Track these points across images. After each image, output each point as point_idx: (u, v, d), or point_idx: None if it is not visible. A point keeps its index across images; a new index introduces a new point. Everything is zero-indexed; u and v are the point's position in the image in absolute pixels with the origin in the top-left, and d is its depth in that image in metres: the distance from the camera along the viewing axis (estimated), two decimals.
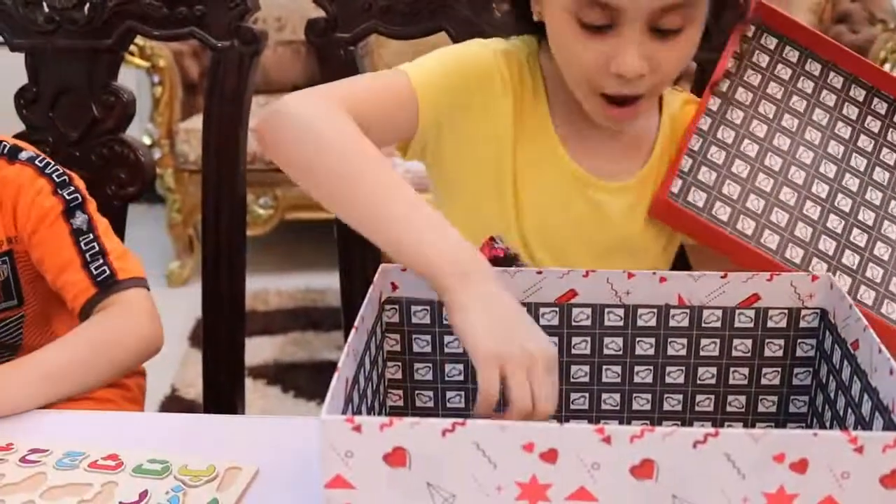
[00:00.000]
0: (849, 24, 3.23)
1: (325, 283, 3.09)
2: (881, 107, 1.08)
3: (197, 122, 3.11)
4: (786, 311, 0.85)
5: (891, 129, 1.07)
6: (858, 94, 1.08)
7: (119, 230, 1.31)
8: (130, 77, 3.27)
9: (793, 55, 1.08)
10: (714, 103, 1.04)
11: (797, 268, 0.97)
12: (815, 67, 1.08)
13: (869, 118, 1.07)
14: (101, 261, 1.08)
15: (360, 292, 1.28)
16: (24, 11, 1.26)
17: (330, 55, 1.23)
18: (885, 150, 1.06)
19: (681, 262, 1.13)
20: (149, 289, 1.11)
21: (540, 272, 0.84)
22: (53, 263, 1.09)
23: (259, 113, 0.93)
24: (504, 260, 1.03)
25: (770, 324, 0.85)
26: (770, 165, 1.02)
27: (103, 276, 1.08)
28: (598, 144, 1.04)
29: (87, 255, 1.09)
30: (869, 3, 3.21)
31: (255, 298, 3.03)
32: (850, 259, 1.00)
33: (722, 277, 0.83)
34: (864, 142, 1.06)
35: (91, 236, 1.10)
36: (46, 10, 1.26)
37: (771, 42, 1.08)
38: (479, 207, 1.04)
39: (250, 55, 1.23)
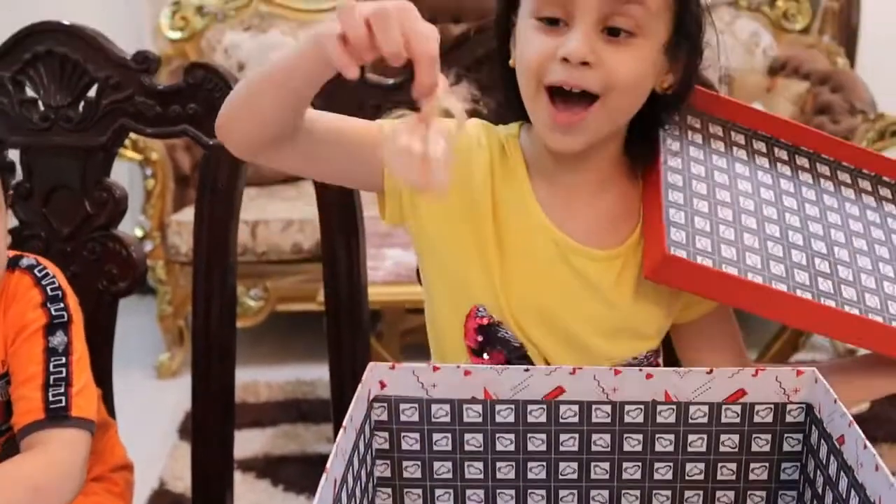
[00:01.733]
0: (830, 114, 3.29)
1: (316, 375, 3.08)
2: (783, 154, 1.18)
3: (189, 214, 3.11)
4: (772, 405, 0.85)
5: (799, 171, 1.16)
6: (760, 146, 1.17)
7: (109, 326, 1.32)
8: (123, 169, 3.30)
9: (696, 122, 1.16)
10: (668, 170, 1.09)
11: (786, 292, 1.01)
12: (717, 129, 1.17)
13: (778, 164, 1.16)
14: (62, 389, 1.07)
15: (350, 385, 1.32)
16: (20, 110, 1.28)
17: None
18: (804, 189, 1.15)
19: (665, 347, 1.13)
20: (92, 433, 1.09)
21: (527, 370, 0.84)
22: (19, 374, 1.08)
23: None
24: (488, 327, 1.04)
25: (756, 419, 0.85)
26: (724, 217, 1.06)
27: (57, 405, 1.06)
28: (582, 211, 1.05)
29: (52, 378, 1.07)
30: (849, 94, 3.27)
31: (246, 390, 3.01)
32: (825, 285, 1.03)
33: (708, 373, 0.84)
34: (785, 184, 1.14)
35: (63, 360, 1.08)
36: (42, 108, 1.28)
37: (689, 119, 1.16)
38: (465, 277, 1.04)
39: None
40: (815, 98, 3.37)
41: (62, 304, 1.11)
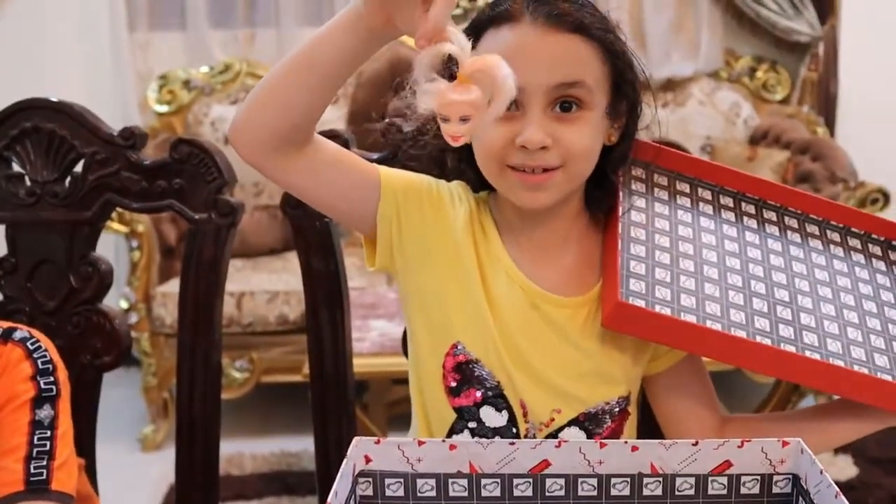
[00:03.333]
0: (811, 183, 3.32)
1: (301, 447, 3.06)
2: (750, 208, 1.22)
3: (174, 286, 3.11)
4: (758, 477, 0.85)
5: (766, 224, 1.20)
6: (727, 201, 1.21)
7: (93, 400, 1.32)
8: (108, 241, 3.31)
9: (663, 179, 1.21)
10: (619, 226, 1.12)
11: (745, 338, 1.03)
12: (684, 186, 1.21)
13: (745, 218, 1.20)
14: (44, 463, 1.07)
15: (335, 457, 1.31)
16: (6, 185, 1.29)
17: (305, 226, 1.27)
18: (769, 241, 1.18)
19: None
20: None
21: (513, 443, 0.84)
22: (3, 445, 1.07)
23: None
24: (465, 365, 1.08)
25: (743, 490, 0.85)
26: (685, 268, 1.10)
27: (38, 478, 1.06)
28: (548, 264, 1.12)
29: (35, 451, 1.07)
30: (830, 163, 3.31)
31: (230, 463, 2.98)
32: (786, 332, 1.06)
33: (693, 445, 0.84)
34: (750, 237, 1.17)
35: (48, 434, 1.08)
36: (28, 183, 1.29)
37: (656, 177, 1.20)
38: (447, 313, 1.10)
39: (227, 226, 1.26)
40: (796, 167, 3.41)
41: (52, 378, 1.11)
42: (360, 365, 2.21)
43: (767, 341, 1.04)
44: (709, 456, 0.84)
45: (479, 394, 1.09)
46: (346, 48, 0.93)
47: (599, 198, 1.14)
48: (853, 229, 1.24)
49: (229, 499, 2.75)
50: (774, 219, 1.22)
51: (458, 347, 1.10)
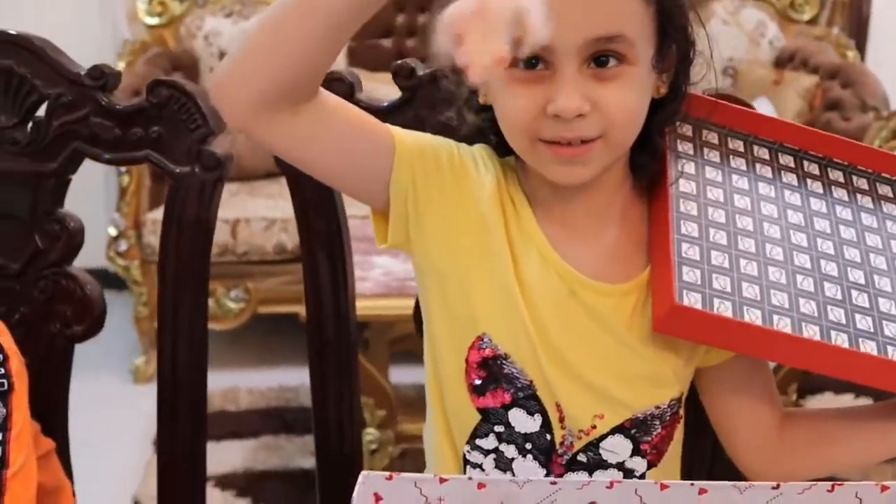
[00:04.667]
0: (840, 111, 3.16)
1: (300, 380, 2.93)
2: (813, 168, 1.07)
3: None
4: None
5: (832, 187, 1.06)
6: (787, 160, 1.07)
7: (64, 373, 1.18)
8: (96, 166, 3.15)
9: (713, 137, 1.06)
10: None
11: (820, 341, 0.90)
12: (737, 144, 1.06)
13: (809, 180, 1.06)
14: None
15: (334, 395, 1.18)
16: None
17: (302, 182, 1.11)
18: (838, 208, 1.04)
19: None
20: None
21: (555, 482, 0.69)
22: None
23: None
24: (492, 360, 0.94)
25: None
26: (746, 248, 0.95)
27: None
28: (587, 244, 0.97)
29: None
30: (860, 90, 3.14)
31: (225, 398, 2.88)
32: (864, 323, 0.93)
33: (774, 488, 0.70)
34: (816, 204, 1.03)
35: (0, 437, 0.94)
36: None
37: (705, 134, 1.06)
38: (471, 300, 0.95)
39: (213, 182, 1.10)
40: (824, 93, 3.24)
41: (3, 370, 0.96)
42: (362, 307, 2.06)
43: (843, 338, 0.90)
44: (792, 501, 0.70)
45: (508, 394, 0.94)
46: None
47: (645, 163, 0.98)
48: None
49: (224, 437, 2.66)
50: (842, 180, 1.07)
51: (485, 340, 0.94)
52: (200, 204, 1.10)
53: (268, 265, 3.04)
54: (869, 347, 0.91)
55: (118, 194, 3.00)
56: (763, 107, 3.17)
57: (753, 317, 0.89)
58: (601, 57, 0.87)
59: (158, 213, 2.98)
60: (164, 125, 1.09)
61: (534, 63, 0.87)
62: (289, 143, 0.89)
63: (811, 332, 0.90)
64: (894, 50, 3.50)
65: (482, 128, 0.97)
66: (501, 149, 0.97)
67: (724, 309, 0.89)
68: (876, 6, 3.52)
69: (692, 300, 0.89)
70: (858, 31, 3.51)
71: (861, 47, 3.49)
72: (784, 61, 3.47)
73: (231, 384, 2.94)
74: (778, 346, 0.89)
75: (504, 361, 0.94)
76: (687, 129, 1.03)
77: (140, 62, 3.32)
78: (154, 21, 3.49)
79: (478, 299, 0.95)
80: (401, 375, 2.56)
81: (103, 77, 1.09)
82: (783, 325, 0.90)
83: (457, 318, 0.96)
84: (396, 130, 0.94)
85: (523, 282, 0.94)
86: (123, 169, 2.96)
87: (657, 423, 0.95)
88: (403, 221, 0.95)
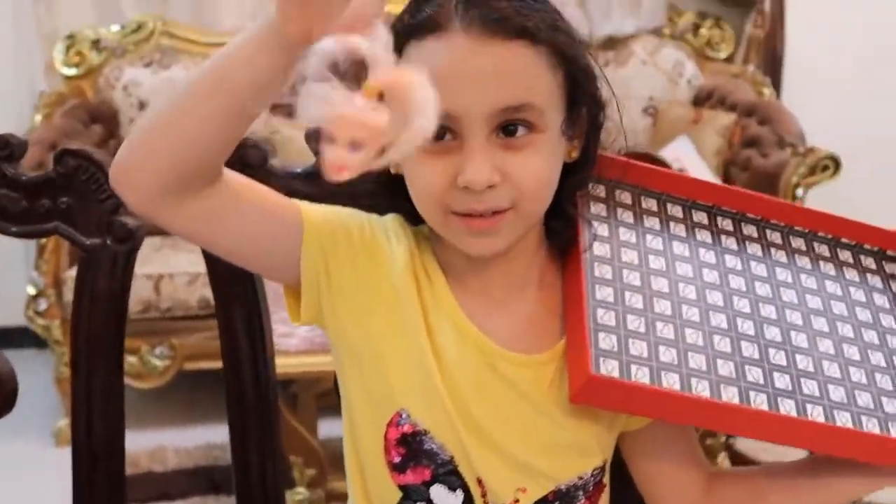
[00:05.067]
0: (758, 148, 3.22)
1: (227, 437, 2.88)
2: (727, 224, 1.07)
3: None
4: None
5: (747, 243, 1.06)
6: (701, 217, 1.06)
7: None
8: None
9: (626, 196, 1.04)
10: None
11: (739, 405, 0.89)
12: (651, 203, 1.05)
13: (723, 237, 1.05)
14: None
15: (256, 456, 1.15)
16: None
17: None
18: (752, 264, 1.04)
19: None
20: None
21: None
22: None
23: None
24: (411, 437, 0.91)
25: None
26: (661, 311, 0.94)
27: None
28: (502, 313, 0.94)
29: None
30: (777, 126, 3.20)
31: (152, 458, 2.81)
32: (782, 381, 0.93)
33: None
34: (731, 261, 1.03)
35: None
36: None
37: (618, 194, 1.04)
38: (387, 376, 0.92)
39: (125, 253, 1.07)
40: (742, 130, 3.30)
41: None
42: (288, 364, 2.01)
43: (762, 398, 0.90)
44: None
45: (428, 470, 0.91)
46: (260, 68, 0.74)
47: (559, 228, 0.96)
48: (843, 240, 1.10)
49: (152, 499, 2.60)
50: (755, 234, 1.07)
51: (403, 416, 0.91)
52: (113, 276, 1.07)
53: (192, 320, 2.98)
54: (788, 407, 0.91)
55: (36, 252, 2.92)
56: (683, 145, 3.22)
57: (671, 381, 0.88)
58: (509, 126, 0.85)
59: None
60: (73, 196, 1.06)
61: (441, 135, 0.85)
62: (193, 227, 0.85)
63: (730, 394, 0.89)
64: (808, 87, 3.57)
65: (394, 195, 0.94)
66: (414, 217, 0.94)
67: (641, 375, 0.88)
68: (790, 44, 3.59)
69: (609, 368, 0.87)
70: (773, 68, 3.57)
71: (776, 84, 3.56)
72: (702, 99, 3.52)
73: (157, 444, 2.87)
74: (696, 411, 0.88)
75: (423, 437, 0.91)
76: (600, 190, 1.02)
77: (58, 114, 3.26)
78: (71, 72, 3.42)
79: (394, 374, 0.92)
80: (330, 428, 2.52)
81: (8, 147, 1.06)
82: (702, 388, 0.89)
83: (374, 395, 0.93)
84: (305, 207, 0.91)
85: (440, 355, 0.91)
86: None
87: (580, 493, 0.94)
88: (316, 298, 0.92)
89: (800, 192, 3.01)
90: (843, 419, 0.92)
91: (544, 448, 0.92)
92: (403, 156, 0.66)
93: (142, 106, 3.38)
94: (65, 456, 1.15)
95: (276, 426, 1.17)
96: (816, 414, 0.91)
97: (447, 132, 0.85)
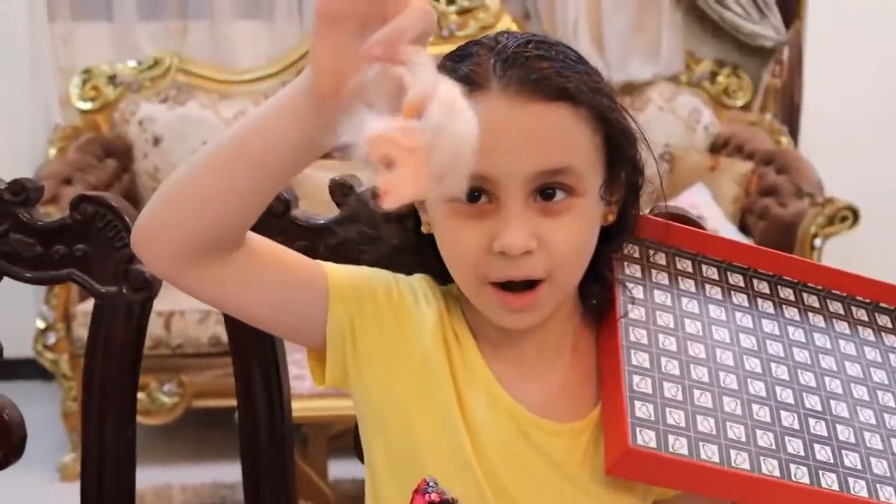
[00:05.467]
0: (776, 197, 3.19)
1: (236, 477, 2.80)
2: (763, 286, 1.04)
3: None
4: None
5: (784, 307, 1.03)
6: (737, 279, 1.03)
7: None
8: None
9: (661, 257, 1.02)
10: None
11: (779, 480, 0.87)
12: (686, 264, 1.02)
13: (759, 300, 1.03)
14: None
15: (269, 496, 1.12)
16: None
17: None
18: (790, 329, 1.01)
19: None
20: None
21: None
22: None
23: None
24: None
25: None
26: (699, 378, 0.91)
27: None
28: (536, 380, 0.91)
29: None
30: (795, 176, 3.18)
31: (158, 496, 2.78)
32: (823, 454, 0.90)
33: None
34: (768, 326, 1.00)
35: None
36: None
37: (653, 254, 1.02)
38: (414, 443, 0.89)
39: (141, 303, 1.05)
40: (760, 179, 3.27)
41: None
42: (300, 408, 1.98)
43: (804, 471, 0.87)
44: None
45: None
46: (292, 135, 0.72)
47: (595, 293, 0.93)
48: (881, 304, 1.07)
49: None
50: (792, 298, 1.04)
51: (430, 484, 0.88)
52: (128, 325, 1.05)
53: (203, 358, 2.96)
54: (830, 480, 0.88)
55: (47, 286, 2.90)
56: (699, 193, 3.20)
57: (710, 453, 0.86)
58: (548, 189, 0.83)
59: (89, 305, 2.89)
60: (89, 243, 1.04)
61: (476, 195, 0.83)
62: (216, 293, 0.84)
63: (770, 466, 0.87)
64: (826, 136, 3.56)
65: (424, 253, 0.92)
66: (443, 276, 0.92)
67: (679, 446, 0.85)
68: (808, 93, 3.59)
69: (646, 439, 0.85)
70: (791, 117, 3.57)
71: (794, 133, 3.55)
72: (719, 147, 3.51)
73: (164, 481, 2.83)
74: (736, 486, 0.86)
75: None
76: (633, 250, 1.00)
77: (72, 148, 3.27)
78: (87, 106, 3.43)
79: (422, 440, 0.89)
80: (340, 470, 2.49)
81: (24, 192, 1.04)
82: (741, 460, 0.86)
83: (399, 458, 0.90)
84: (330, 270, 0.89)
85: (469, 421, 0.89)
86: None
87: None
88: (341, 362, 0.89)
89: (818, 242, 2.98)
90: (888, 493, 0.89)
91: None
92: (451, 174, 0.63)
93: (156, 141, 3.38)
94: (70, 491, 1.14)
95: (291, 470, 1.14)
96: (859, 488, 0.89)
97: (482, 194, 0.83)
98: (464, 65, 0.83)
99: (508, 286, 0.84)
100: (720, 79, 3.65)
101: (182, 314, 2.91)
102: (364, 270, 0.92)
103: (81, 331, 2.86)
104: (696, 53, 3.68)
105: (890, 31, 3.53)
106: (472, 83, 0.81)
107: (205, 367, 2.97)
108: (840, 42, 3.53)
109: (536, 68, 0.81)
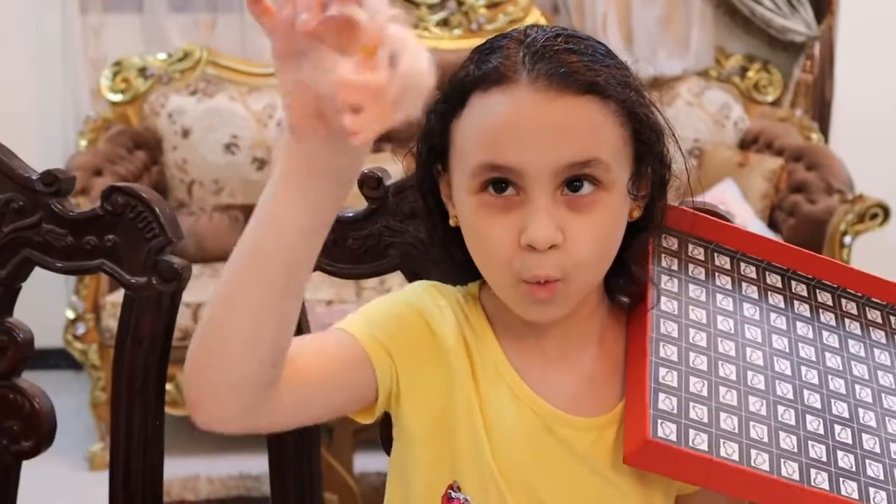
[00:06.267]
0: (806, 193, 3.17)
1: (262, 468, 2.80)
2: (801, 289, 1.03)
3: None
4: None
5: (820, 311, 1.02)
6: (775, 279, 1.03)
7: (10, 491, 1.11)
8: None
9: (699, 252, 1.01)
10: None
11: (798, 484, 0.86)
12: (724, 261, 1.01)
13: (796, 302, 1.02)
14: None
15: (295, 487, 1.13)
16: None
17: None
18: (825, 334, 1.00)
19: None
20: None
21: None
22: None
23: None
24: None
25: None
26: (726, 375, 0.91)
27: None
28: (560, 374, 0.91)
29: None
30: (825, 172, 3.16)
31: (184, 487, 2.80)
32: (846, 461, 0.90)
33: None
34: (802, 329, 0.99)
35: None
36: None
37: (691, 249, 1.01)
38: (441, 454, 0.90)
39: (170, 294, 1.05)
40: (789, 175, 3.25)
41: None
42: None
43: (824, 476, 0.87)
44: None
45: None
46: (298, 215, 0.69)
47: (622, 286, 0.93)
48: None
49: None
50: (830, 303, 1.03)
51: (454, 491, 0.88)
52: (157, 317, 1.05)
53: None
54: (850, 489, 0.87)
55: (77, 277, 2.92)
56: (728, 189, 3.18)
57: (730, 451, 0.85)
58: (575, 182, 0.83)
59: (118, 296, 2.92)
60: (120, 234, 1.04)
61: (503, 187, 0.83)
62: (282, 418, 0.82)
63: (790, 469, 0.86)
64: (857, 133, 3.53)
65: (450, 247, 0.92)
66: (465, 272, 0.91)
67: (699, 442, 0.85)
68: (839, 89, 3.56)
69: (667, 431, 0.84)
70: (822, 113, 3.54)
71: (824, 130, 3.53)
72: (748, 143, 3.49)
73: (190, 472, 2.85)
74: (753, 485, 0.85)
75: None
76: (672, 243, 1.00)
77: (102, 140, 3.29)
78: (117, 98, 3.46)
79: (451, 452, 0.89)
80: (365, 463, 2.50)
81: (56, 183, 1.05)
82: (761, 461, 0.86)
83: (433, 470, 0.90)
84: (361, 338, 0.86)
85: (490, 425, 0.88)
86: None
87: None
88: (387, 399, 0.89)
89: (847, 239, 2.96)
90: None
91: None
92: (410, 102, 0.62)
93: (185, 133, 3.40)
94: (98, 480, 1.14)
95: (316, 462, 1.14)
96: (880, 499, 0.88)
97: (510, 185, 0.83)
98: (493, 57, 0.83)
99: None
100: (750, 74, 3.63)
101: (208, 306, 2.93)
102: (388, 312, 0.90)
103: (110, 321, 2.89)
104: (725, 48, 3.66)
105: None
106: (501, 76, 0.81)
107: None
108: (872, 38, 3.50)
109: (565, 62, 0.81)
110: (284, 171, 0.68)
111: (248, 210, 3.44)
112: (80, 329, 2.92)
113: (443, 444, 0.89)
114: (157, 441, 1.10)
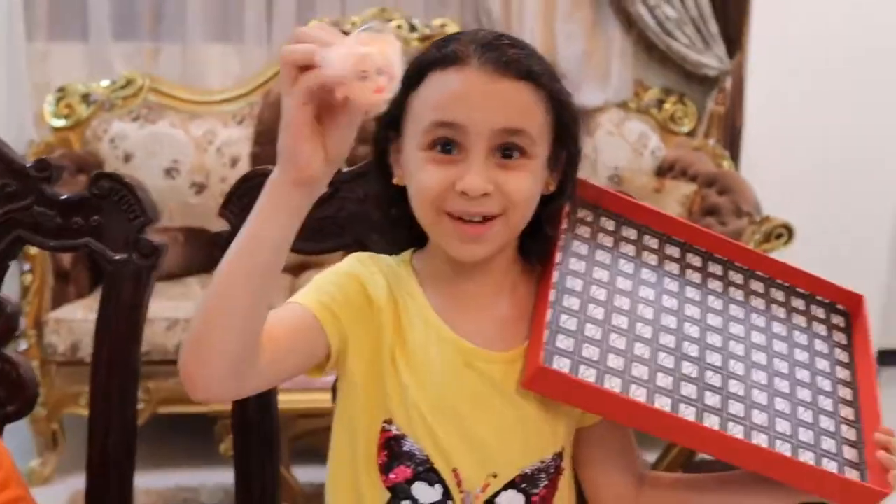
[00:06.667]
0: (717, 216, 3.35)
1: (198, 481, 2.94)
2: (696, 260, 1.18)
3: (67, 311, 2.99)
4: None
5: (709, 279, 1.16)
6: (673, 251, 1.17)
7: None
8: None
9: (610, 224, 1.17)
10: (555, 276, 1.09)
11: (669, 412, 1.01)
12: (630, 233, 1.16)
13: (689, 271, 1.16)
14: None
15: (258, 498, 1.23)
16: None
17: None
18: (710, 298, 1.14)
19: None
20: None
21: None
22: None
23: None
24: (394, 440, 1.05)
25: None
26: (618, 325, 1.06)
27: None
28: (478, 316, 1.08)
29: None
30: (735, 196, 3.34)
31: None
32: (712, 400, 1.04)
33: None
34: (691, 292, 1.14)
35: None
36: None
37: (603, 221, 1.16)
38: (376, 396, 1.05)
39: (148, 269, 1.18)
40: (702, 199, 3.43)
41: None
42: (284, 402, 2.08)
43: (692, 410, 1.02)
44: None
45: (409, 470, 1.05)
46: (287, 221, 0.90)
47: (534, 248, 1.11)
48: (798, 289, 1.21)
49: None
50: (720, 273, 1.18)
51: (386, 425, 1.05)
52: (136, 289, 1.18)
53: (169, 365, 2.99)
54: (711, 421, 1.02)
55: (20, 293, 2.96)
56: None
57: (613, 384, 1.01)
58: (506, 150, 1.01)
59: (61, 313, 2.98)
60: (104, 215, 1.17)
61: (449, 148, 1.00)
62: (259, 384, 0.99)
63: (662, 402, 1.01)
64: (765, 159, 3.73)
65: (395, 217, 1.09)
66: (405, 241, 1.10)
67: (588, 375, 1.00)
68: (748, 118, 3.77)
69: (561, 365, 1.00)
70: (732, 141, 3.74)
71: (735, 157, 3.72)
72: (665, 170, 3.67)
73: None
74: (631, 412, 1.01)
75: (403, 440, 1.04)
76: (587, 215, 1.15)
77: None
78: (60, 123, 3.51)
79: (385, 391, 1.05)
80: (300, 475, 2.58)
81: (48, 170, 1.17)
82: (639, 394, 1.01)
83: (367, 406, 1.06)
84: (315, 305, 1.03)
85: (416, 361, 1.05)
86: (27, 267, 2.94)
87: (543, 476, 1.06)
88: (335, 360, 1.04)
89: None
90: (761, 440, 1.03)
91: (514, 436, 1.05)
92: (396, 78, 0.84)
93: (127, 158, 3.46)
94: (39, 495, 1.24)
95: (277, 453, 1.29)
96: (737, 432, 1.03)
97: (454, 147, 1.00)
98: (448, 46, 1.02)
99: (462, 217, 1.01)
100: (667, 106, 3.81)
101: (150, 322, 2.94)
102: (335, 284, 1.06)
103: (53, 338, 2.93)
104: (644, 81, 3.84)
105: (825, 63, 3.72)
106: (456, 58, 1.00)
107: (171, 373, 3.02)
108: (779, 72, 3.71)
109: (509, 53, 1.00)
110: (275, 183, 0.89)
111: (187, 232, 3.50)
112: (22, 346, 2.93)
113: (377, 388, 1.05)
114: (132, 402, 1.22)
